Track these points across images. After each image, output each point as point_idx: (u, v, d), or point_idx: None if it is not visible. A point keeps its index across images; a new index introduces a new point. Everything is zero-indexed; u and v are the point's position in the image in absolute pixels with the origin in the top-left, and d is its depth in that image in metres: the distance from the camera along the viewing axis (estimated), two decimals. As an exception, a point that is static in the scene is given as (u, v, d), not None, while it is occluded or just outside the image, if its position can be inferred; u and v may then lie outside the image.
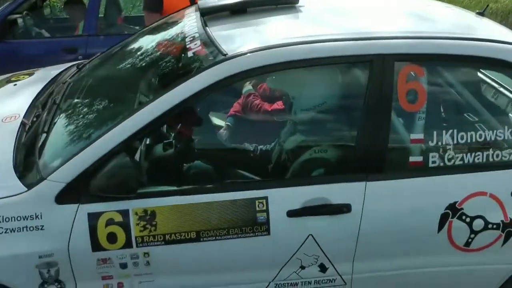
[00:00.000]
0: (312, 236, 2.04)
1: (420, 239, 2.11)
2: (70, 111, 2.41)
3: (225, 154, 2.51)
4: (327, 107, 2.24)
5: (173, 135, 2.49)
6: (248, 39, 2.16)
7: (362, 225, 2.05)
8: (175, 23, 2.73)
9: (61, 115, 2.39)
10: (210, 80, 1.98)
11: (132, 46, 2.77)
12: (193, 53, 2.19)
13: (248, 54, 2.02)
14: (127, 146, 1.99)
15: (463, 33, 2.27)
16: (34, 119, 2.43)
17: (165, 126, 2.56)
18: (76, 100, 2.48)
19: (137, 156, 2.24)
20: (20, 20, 4.79)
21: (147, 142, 2.38)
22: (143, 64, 2.52)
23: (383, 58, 2.06)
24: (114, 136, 1.97)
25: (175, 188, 2.07)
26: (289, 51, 2.04)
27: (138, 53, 2.65)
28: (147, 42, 2.73)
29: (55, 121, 2.34)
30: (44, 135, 2.24)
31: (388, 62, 2.05)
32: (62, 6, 5.38)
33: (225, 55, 2.04)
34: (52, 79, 2.92)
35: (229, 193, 2.03)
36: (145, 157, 2.26)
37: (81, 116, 2.34)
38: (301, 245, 2.05)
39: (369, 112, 2.08)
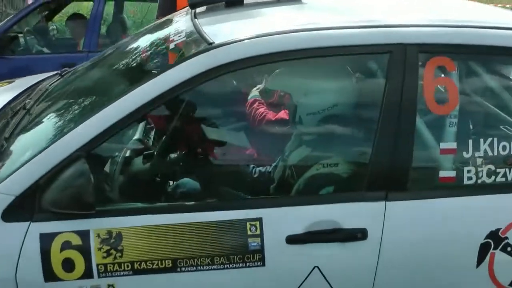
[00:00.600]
0: (318, 269, 1.70)
1: (454, 275, 1.76)
2: (38, 117, 2.10)
3: (218, 170, 2.14)
4: (337, 110, 1.88)
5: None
6: (241, 30, 1.83)
7: (381, 256, 1.71)
8: (166, 23, 2.43)
9: (28, 120, 2.08)
10: (191, 71, 1.66)
11: (118, 51, 2.51)
12: (175, 45, 1.87)
13: (239, 43, 1.69)
14: (88, 152, 1.64)
15: (502, 23, 1.90)
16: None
17: (153, 135, 2.26)
18: (47, 106, 2.18)
19: (108, 168, 1.90)
20: (21, 37, 4.80)
21: (127, 154, 2.07)
22: (124, 67, 2.23)
23: (405, 49, 1.72)
24: (73, 139, 1.65)
25: (146, 205, 1.71)
26: (288, 39, 1.71)
27: (122, 56, 2.39)
28: (134, 45, 2.45)
29: (21, 127, 2.02)
30: (5, 141, 1.92)
31: (411, 53, 1.72)
32: (65, 21, 5.29)
33: (210, 44, 1.71)
34: (31, 86, 2.64)
35: (214, 212, 1.68)
36: (120, 169, 1.95)
37: (48, 121, 2.03)
38: (304, 280, 1.69)
39: (389, 115, 1.73)
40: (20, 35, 4.81)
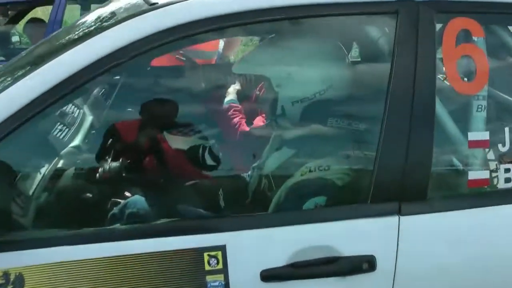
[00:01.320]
0: (308, 315, 1.24)
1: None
2: None
3: (176, 184, 1.68)
4: (329, 96, 1.43)
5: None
6: None
7: (395, 292, 1.26)
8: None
9: None
10: (124, 39, 1.19)
11: (58, 35, 2.04)
12: (110, 12, 1.41)
13: (189, 1, 1.23)
14: None
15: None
16: None
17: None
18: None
19: (25, 182, 1.47)
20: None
21: (59, 165, 1.66)
22: (55, 48, 1.75)
23: (417, 8, 1.29)
24: None
25: (63, 233, 1.24)
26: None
27: (59, 39, 1.91)
28: (75, 26, 1.99)
29: None
30: None
31: (425, 13, 1.29)
32: (23, 27, 4.90)
33: (153, 4, 1.27)
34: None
35: (157, 240, 1.20)
36: (44, 185, 1.53)
37: None
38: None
39: (399, 98, 1.28)
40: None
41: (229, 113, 2.17)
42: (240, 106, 2.18)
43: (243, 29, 1.29)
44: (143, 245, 1.17)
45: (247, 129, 2.07)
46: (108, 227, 1.32)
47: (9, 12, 4.81)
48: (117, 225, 1.36)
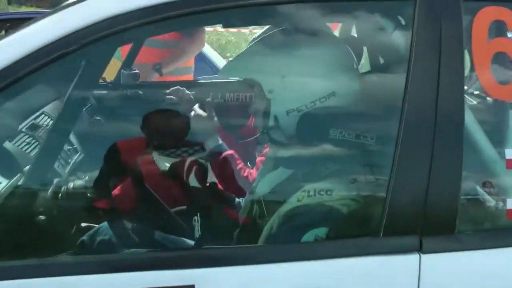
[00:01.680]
0: None
1: None
2: None
3: (153, 210, 1.44)
4: (332, 103, 1.18)
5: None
6: None
7: None
8: None
9: None
10: (58, 30, 0.99)
11: None
12: (67, 4, 1.22)
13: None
14: None
15: None
16: None
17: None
18: None
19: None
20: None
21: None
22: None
23: None
24: None
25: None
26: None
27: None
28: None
29: None
30: None
31: (449, 0, 1.05)
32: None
33: None
34: None
35: (108, 275, 0.97)
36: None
37: None
38: None
39: (417, 107, 1.04)
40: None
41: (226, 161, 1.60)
42: (232, 151, 1.62)
43: (220, 14, 1.05)
44: (91, 283, 0.93)
45: (255, 175, 1.57)
46: (53, 258, 1.08)
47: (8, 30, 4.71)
48: (64, 257, 1.11)
